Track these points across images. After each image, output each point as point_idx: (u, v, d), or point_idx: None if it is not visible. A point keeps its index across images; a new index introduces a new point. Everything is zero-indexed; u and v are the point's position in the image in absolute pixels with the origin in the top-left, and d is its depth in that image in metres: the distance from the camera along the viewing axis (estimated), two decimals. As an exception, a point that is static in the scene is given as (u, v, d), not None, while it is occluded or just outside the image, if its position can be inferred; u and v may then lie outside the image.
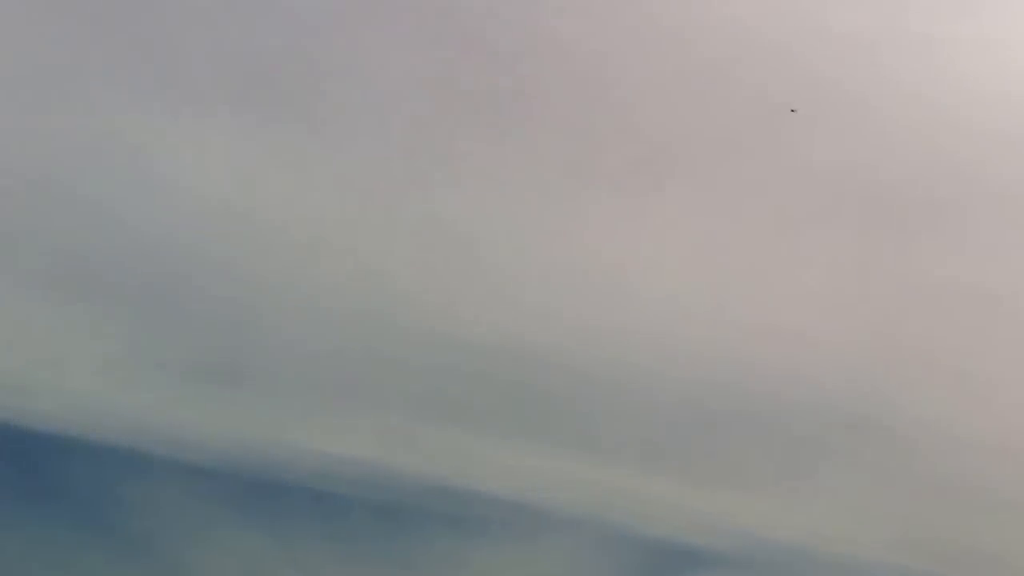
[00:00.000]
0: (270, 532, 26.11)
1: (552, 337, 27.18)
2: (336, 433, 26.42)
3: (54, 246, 25.88)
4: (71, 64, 27.42)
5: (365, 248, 28.00)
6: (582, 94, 31.04)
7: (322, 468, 26.59)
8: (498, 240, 28.90)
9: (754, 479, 27.81)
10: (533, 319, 27.37)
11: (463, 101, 30.26)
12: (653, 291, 29.10)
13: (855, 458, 28.65)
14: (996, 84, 32.54)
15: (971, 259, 31.77)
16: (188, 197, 27.10)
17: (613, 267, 29.71)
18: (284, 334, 27.19)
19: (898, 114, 32.22)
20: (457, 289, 27.87)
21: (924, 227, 32.31)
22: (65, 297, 25.97)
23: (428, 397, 27.50)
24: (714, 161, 31.25)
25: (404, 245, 28.99)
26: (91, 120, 26.99)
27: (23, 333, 25.93)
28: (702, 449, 28.25)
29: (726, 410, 28.19)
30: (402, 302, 27.37)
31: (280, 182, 27.83)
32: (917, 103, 32.05)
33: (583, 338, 27.82)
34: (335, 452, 26.41)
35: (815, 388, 28.60)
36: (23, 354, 25.51)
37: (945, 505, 28.13)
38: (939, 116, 31.74)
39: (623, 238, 30.49)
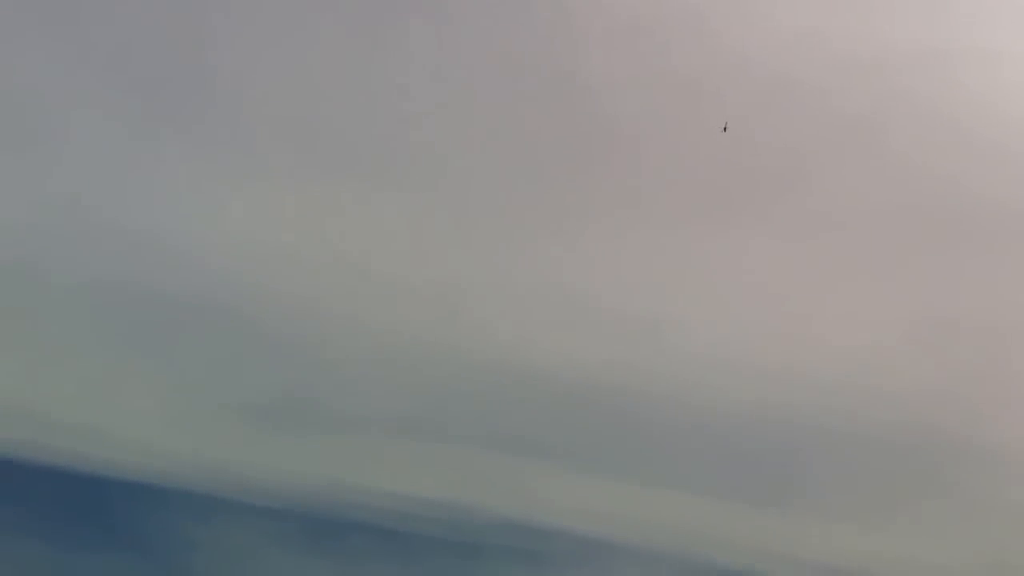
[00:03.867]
0: (339, 572, 25.53)
1: (624, 372, 26.91)
2: (404, 471, 26.02)
3: (122, 294, 26.14)
4: (153, 121, 28.19)
5: (433, 287, 28.05)
6: (649, 137, 31.32)
7: (391, 507, 26.12)
8: (567, 277, 28.90)
9: (831, 508, 26.97)
10: (606, 355, 27.15)
11: (533, 156, 30.60)
12: (722, 322, 28.84)
13: (932, 484, 27.74)
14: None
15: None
16: (255, 243, 27.47)
17: (683, 302, 29.49)
18: (351, 375, 27.06)
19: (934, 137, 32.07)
20: (528, 325, 27.78)
21: (994, 251, 31.80)
22: (132, 345, 26.08)
23: (498, 433, 27.12)
24: (770, 196, 31.26)
25: (476, 283, 29.04)
26: (166, 171, 27.65)
27: (91, 381, 26.02)
28: (777, 479, 27.50)
29: (801, 441, 27.54)
30: (475, 340, 27.28)
31: (339, 227, 28.09)
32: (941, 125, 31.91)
33: (651, 372, 27.51)
34: (403, 491, 25.97)
35: (886, 416, 27.93)
36: (91, 402, 25.54)
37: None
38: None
39: (689, 273, 30.37)
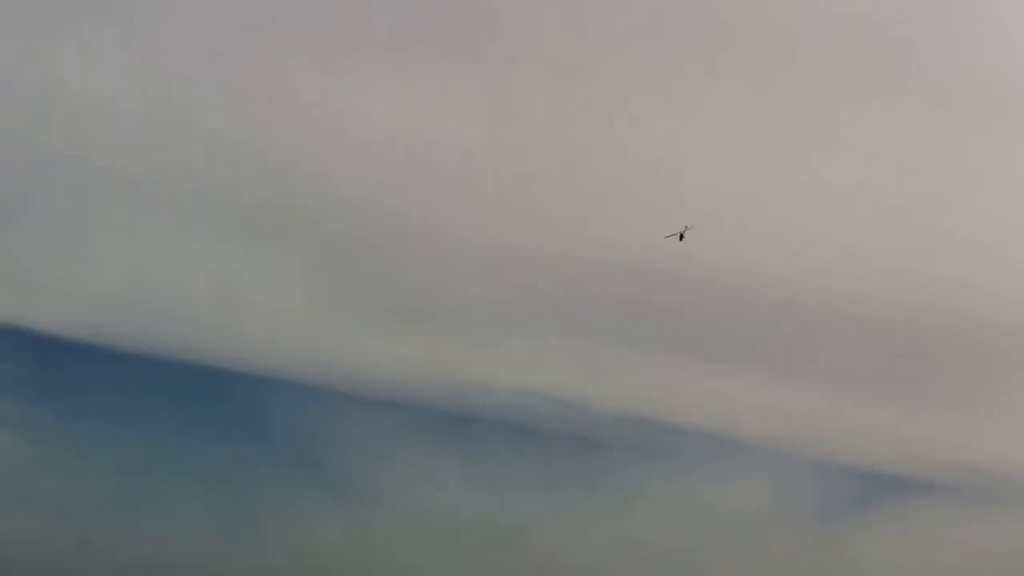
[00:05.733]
0: (461, 464, 26.28)
1: (746, 263, 26.46)
2: (526, 366, 26.42)
3: (252, 201, 27.10)
4: (257, 34, 28.59)
5: (546, 186, 28.03)
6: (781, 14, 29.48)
7: (515, 402, 26.62)
8: (683, 169, 28.41)
9: (958, 404, 26.14)
10: (725, 246, 26.72)
11: (633, 36, 29.71)
12: (850, 214, 27.96)
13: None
14: None
15: None
16: (369, 151, 28.02)
17: (807, 193, 28.72)
18: (471, 272, 27.45)
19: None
20: (646, 219, 27.45)
21: None
22: (260, 247, 27.05)
23: (620, 328, 27.12)
24: (876, 69, 29.64)
25: (590, 181, 28.87)
26: (278, 85, 28.23)
27: (224, 282, 27.19)
28: (905, 374, 26.76)
29: (931, 334, 26.67)
30: (591, 235, 27.26)
31: (453, 132, 28.29)
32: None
33: (779, 264, 26.97)
34: (526, 385, 26.40)
35: (1007, 318, 26.66)
36: (224, 301, 26.70)
37: None
38: None
39: (824, 164, 29.26)
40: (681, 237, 25.03)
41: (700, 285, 26.05)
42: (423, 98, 26.01)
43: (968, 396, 25.79)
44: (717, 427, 25.40)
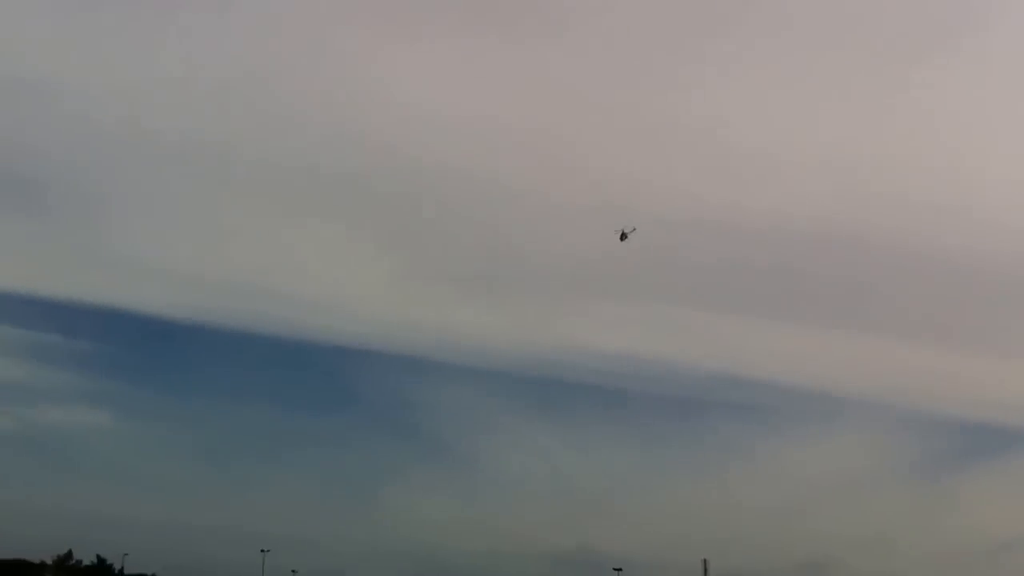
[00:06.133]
0: (555, 428, 25.80)
1: (842, 217, 26.15)
2: (615, 330, 25.90)
3: (336, 177, 26.44)
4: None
5: (626, 148, 27.51)
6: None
7: (604, 365, 26.12)
8: (768, 127, 27.96)
9: None
10: (817, 201, 26.37)
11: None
12: (952, 165, 27.78)
13: None
14: None
15: None
16: (445, 122, 27.44)
17: (903, 143, 28.44)
18: (558, 237, 26.95)
19: None
20: (731, 177, 27.08)
21: None
22: (348, 222, 26.42)
23: (711, 288, 26.72)
24: (946, 36, 29.55)
25: (669, 143, 28.33)
26: (347, 59, 27.36)
27: (310, 257, 26.52)
28: (1008, 324, 26.62)
29: (1016, 288, 26.49)
30: (675, 196, 26.83)
31: (527, 101, 27.66)
32: None
33: (878, 216, 26.65)
34: (615, 348, 25.89)
35: None
36: (317, 277, 26.05)
37: None
38: None
39: (926, 116, 28.98)
40: (623, 237, 24.03)
41: (792, 243, 25.64)
42: (493, 67, 25.32)
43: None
44: (815, 384, 25.05)
